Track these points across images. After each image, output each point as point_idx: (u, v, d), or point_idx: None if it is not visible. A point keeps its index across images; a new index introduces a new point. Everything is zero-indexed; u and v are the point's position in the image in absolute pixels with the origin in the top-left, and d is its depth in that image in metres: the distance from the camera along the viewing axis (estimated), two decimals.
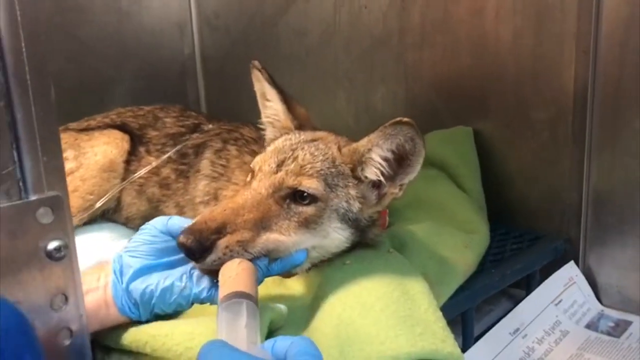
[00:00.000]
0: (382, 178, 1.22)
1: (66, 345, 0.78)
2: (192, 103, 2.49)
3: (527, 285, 1.61)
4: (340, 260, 1.24)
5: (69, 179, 1.40)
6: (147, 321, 1.08)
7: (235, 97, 2.41)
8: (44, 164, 0.72)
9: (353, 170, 1.22)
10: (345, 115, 2.11)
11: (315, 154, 1.20)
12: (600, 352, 1.47)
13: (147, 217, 1.50)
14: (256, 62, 1.34)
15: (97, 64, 2.25)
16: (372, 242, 1.29)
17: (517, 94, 1.72)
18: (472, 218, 1.62)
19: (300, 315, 1.16)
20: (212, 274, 1.06)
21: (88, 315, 0.91)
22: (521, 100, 1.72)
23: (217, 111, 2.26)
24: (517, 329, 1.47)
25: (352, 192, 1.20)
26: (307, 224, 1.15)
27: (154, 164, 1.65)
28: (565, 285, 1.62)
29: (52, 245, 0.74)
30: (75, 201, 1.58)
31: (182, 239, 1.03)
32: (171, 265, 1.08)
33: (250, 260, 1.07)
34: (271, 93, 1.35)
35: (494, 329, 1.45)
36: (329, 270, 1.22)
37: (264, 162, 1.21)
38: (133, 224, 1.71)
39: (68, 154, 1.62)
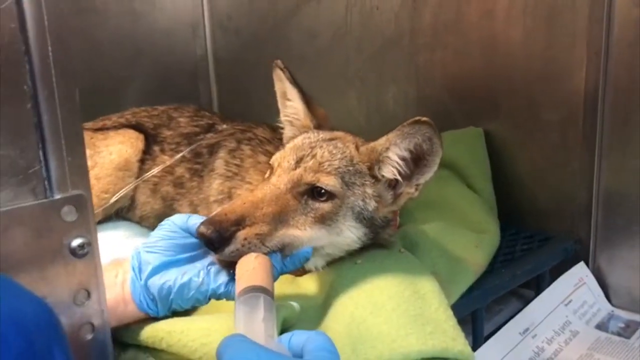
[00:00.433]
0: (399, 177, 1.23)
1: (88, 340, 0.80)
2: (204, 103, 2.51)
3: (537, 285, 1.62)
4: (352, 259, 1.26)
5: None
6: (165, 317, 1.09)
7: (247, 97, 2.44)
8: (68, 163, 0.74)
9: (370, 169, 1.23)
10: (356, 116, 2.13)
11: (334, 152, 1.22)
12: (610, 352, 1.47)
13: (161, 216, 1.53)
14: (279, 62, 1.36)
15: (111, 65, 2.28)
16: (385, 242, 1.30)
17: (528, 95, 1.73)
18: (482, 218, 1.63)
19: (312, 314, 1.17)
20: (230, 265, 1.07)
21: None
22: (532, 101, 1.73)
23: (228, 111, 2.28)
24: (527, 329, 1.48)
25: (369, 190, 1.22)
26: (323, 220, 1.17)
27: (168, 162, 1.67)
28: (576, 286, 1.63)
29: (76, 242, 0.76)
30: None
31: (202, 229, 1.05)
32: (189, 262, 1.09)
33: (266, 254, 1.08)
34: (292, 92, 1.37)
35: (503, 328, 1.46)
36: (340, 270, 1.23)
37: (283, 158, 1.23)
38: (147, 223, 1.73)
39: None
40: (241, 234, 1.07)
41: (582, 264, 1.66)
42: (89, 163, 1.64)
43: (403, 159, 1.21)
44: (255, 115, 1.83)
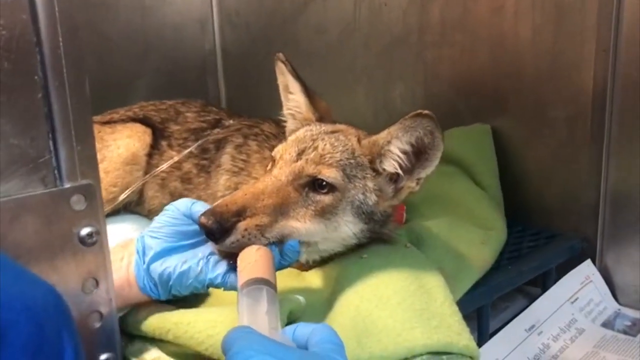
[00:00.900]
0: (400, 171, 1.23)
1: (97, 328, 0.81)
2: (212, 99, 2.52)
3: (543, 283, 1.62)
4: (357, 254, 1.26)
5: None
6: (177, 305, 1.11)
7: (255, 93, 2.44)
8: (78, 153, 0.75)
9: (372, 162, 1.23)
10: (364, 112, 2.13)
11: (335, 144, 1.22)
12: (616, 350, 1.47)
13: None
14: (281, 55, 1.36)
15: (120, 60, 2.29)
16: (387, 237, 1.31)
17: (536, 92, 1.73)
18: (489, 215, 1.63)
19: (318, 308, 1.17)
20: (230, 256, 1.08)
21: None
22: (540, 98, 1.72)
23: (236, 107, 2.29)
24: (533, 326, 1.48)
25: (370, 184, 1.22)
26: (323, 213, 1.17)
27: (176, 158, 1.68)
28: (582, 284, 1.63)
29: (85, 231, 0.78)
30: None
31: (203, 219, 1.05)
32: (191, 248, 1.10)
33: (266, 245, 1.08)
34: (294, 85, 1.37)
35: (509, 325, 1.46)
36: (346, 264, 1.24)
37: (284, 150, 1.23)
38: (155, 216, 1.74)
39: None
40: (241, 225, 1.07)
41: (588, 261, 1.65)
42: (97, 157, 1.66)
43: (404, 152, 1.22)
44: (263, 111, 1.84)
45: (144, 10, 2.36)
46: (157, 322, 1.08)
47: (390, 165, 1.23)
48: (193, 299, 1.19)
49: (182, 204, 1.12)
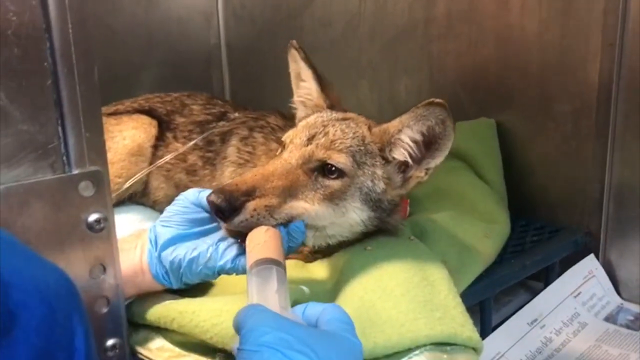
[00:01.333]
0: (409, 160, 1.23)
1: (104, 313, 0.82)
2: (216, 92, 2.52)
3: (546, 277, 1.62)
4: (362, 245, 1.26)
5: None
6: (182, 294, 1.12)
7: (259, 86, 2.44)
8: (86, 140, 0.76)
9: (381, 150, 1.23)
10: (368, 105, 2.13)
11: (346, 131, 1.22)
12: (618, 344, 1.47)
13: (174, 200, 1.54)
14: (294, 42, 1.37)
15: (125, 52, 2.29)
16: (392, 227, 1.31)
17: (541, 86, 1.73)
18: (492, 209, 1.63)
19: (322, 298, 1.17)
20: (238, 235, 1.08)
21: (125, 280, 0.96)
22: (545, 92, 1.72)
23: (241, 100, 2.29)
24: (535, 320, 1.49)
25: (379, 171, 1.22)
26: (331, 198, 1.17)
27: (180, 150, 1.68)
28: (585, 278, 1.63)
29: (93, 217, 0.78)
30: None
31: (212, 197, 1.06)
32: (201, 235, 1.11)
33: (274, 226, 1.08)
34: (306, 73, 1.38)
35: (512, 318, 1.47)
36: (350, 256, 1.24)
37: (295, 135, 1.24)
38: (160, 207, 1.74)
39: None
40: (250, 205, 1.07)
41: (592, 256, 1.66)
42: None
43: (415, 141, 1.22)
44: (268, 104, 1.84)
45: (148, 3, 2.36)
46: (162, 311, 1.09)
47: (400, 154, 1.23)
48: (198, 288, 1.19)
49: (191, 194, 1.13)
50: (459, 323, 1.07)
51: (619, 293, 1.66)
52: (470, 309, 1.15)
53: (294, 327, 0.76)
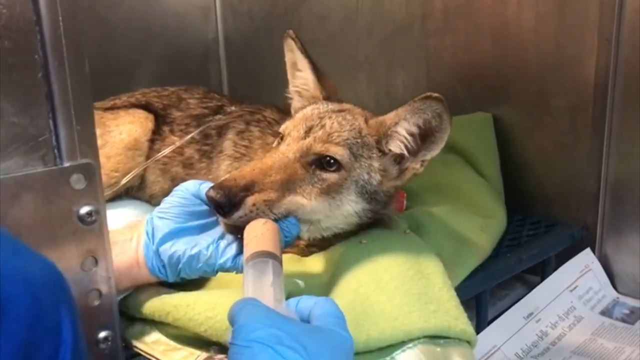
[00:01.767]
0: (405, 152, 1.24)
1: (96, 306, 0.82)
2: (214, 86, 2.52)
3: (543, 271, 1.62)
4: (357, 239, 1.27)
5: None
6: (177, 288, 1.12)
7: (257, 80, 2.44)
8: (77, 132, 0.76)
9: (378, 142, 1.24)
10: (366, 100, 2.13)
11: (343, 123, 1.22)
12: (613, 338, 1.48)
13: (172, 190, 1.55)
14: (291, 32, 1.37)
15: (123, 47, 2.29)
16: (387, 219, 1.31)
17: (538, 81, 1.72)
18: (489, 203, 1.63)
19: (317, 291, 1.18)
20: (237, 230, 1.08)
21: (120, 273, 0.96)
22: (541, 87, 1.72)
23: (238, 94, 2.29)
24: (531, 313, 1.49)
25: (375, 164, 1.23)
26: (328, 191, 1.18)
27: (178, 143, 1.68)
28: (581, 272, 1.63)
29: (84, 210, 0.78)
30: None
31: (211, 192, 1.06)
32: (199, 229, 1.10)
33: (273, 220, 1.09)
34: (302, 62, 1.38)
35: (507, 312, 1.47)
36: (345, 249, 1.24)
37: (293, 127, 1.23)
38: (157, 202, 1.73)
39: None
40: (250, 200, 1.08)
41: (588, 250, 1.66)
42: (99, 142, 1.63)
43: (411, 134, 1.22)
44: (265, 98, 1.84)
45: None
46: (157, 305, 1.09)
47: (396, 146, 1.24)
48: (193, 282, 1.19)
49: (192, 185, 1.12)
50: (452, 316, 1.07)
51: (615, 287, 1.66)
52: (466, 303, 1.16)
53: (285, 323, 0.77)
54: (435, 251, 1.26)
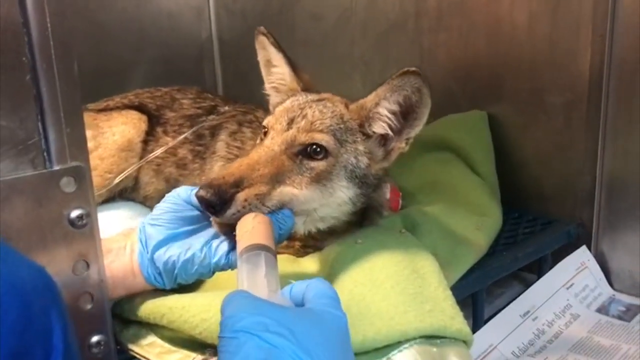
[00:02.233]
0: (389, 132, 1.24)
1: (88, 310, 0.81)
2: (209, 86, 2.51)
3: (539, 269, 1.62)
4: (352, 239, 1.26)
5: None
6: (172, 290, 1.11)
7: (252, 80, 2.42)
8: (67, 135, 0.75)
9: (361, 125, 1.24)
10: (361, 99, 2.12)
11: (324, 111, 1.22)
12: (610, 335, 1.48)
13: (164, 197, 1.54)
14: (261, 28, 1.36)
15: (116, 48, 2.28)
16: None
17: (532, 78, 1.72)
18: (484, 201, 1.63)
19: None
20: (230, 229, 1.07)
21: (115, 281, 0.95)
22: (536, 84, 1.72)
23: (233, 94, 2.29)
24: (528, 312, 1.48)
25: (360, 147, 1.23)
26: (318, 179, 1.17)
27: (171, 144, 1.68)
28: (577, 270, 1.63)
29: (75, 213, 0.77)
30: (94, 180, 1.61)
31: (201, 192, 1.04)
32: (192, 234, 1.09)
33: (266, 214, 1.08)
34: (277, 57, 1.37)
35: (504, 310, 1.46)
36: (341, 249, 1.24)
37: (275, 121, 1.23)
38: (151, 203, 1.74)
39: (87, 133, 1.66)
40: (241, 196, 1.07)
41: (584, 247, 1.66)
42: (93, 144, 1.66)
43: (393, 113, 1.22)
44: (260, 98, 1.82)
45: None
46: (152, 307, 1.08)
47: (379, 127, 1.24)
48: (189, 285, 1.19)
49: (183, 190, 1.11)
50: (448, 315, 1.07)
51: (611, 284, 1.66)
52: (462, 301, 1.15)
53: (271, 310, 0.76)
54: (431, 250, 1.26)
